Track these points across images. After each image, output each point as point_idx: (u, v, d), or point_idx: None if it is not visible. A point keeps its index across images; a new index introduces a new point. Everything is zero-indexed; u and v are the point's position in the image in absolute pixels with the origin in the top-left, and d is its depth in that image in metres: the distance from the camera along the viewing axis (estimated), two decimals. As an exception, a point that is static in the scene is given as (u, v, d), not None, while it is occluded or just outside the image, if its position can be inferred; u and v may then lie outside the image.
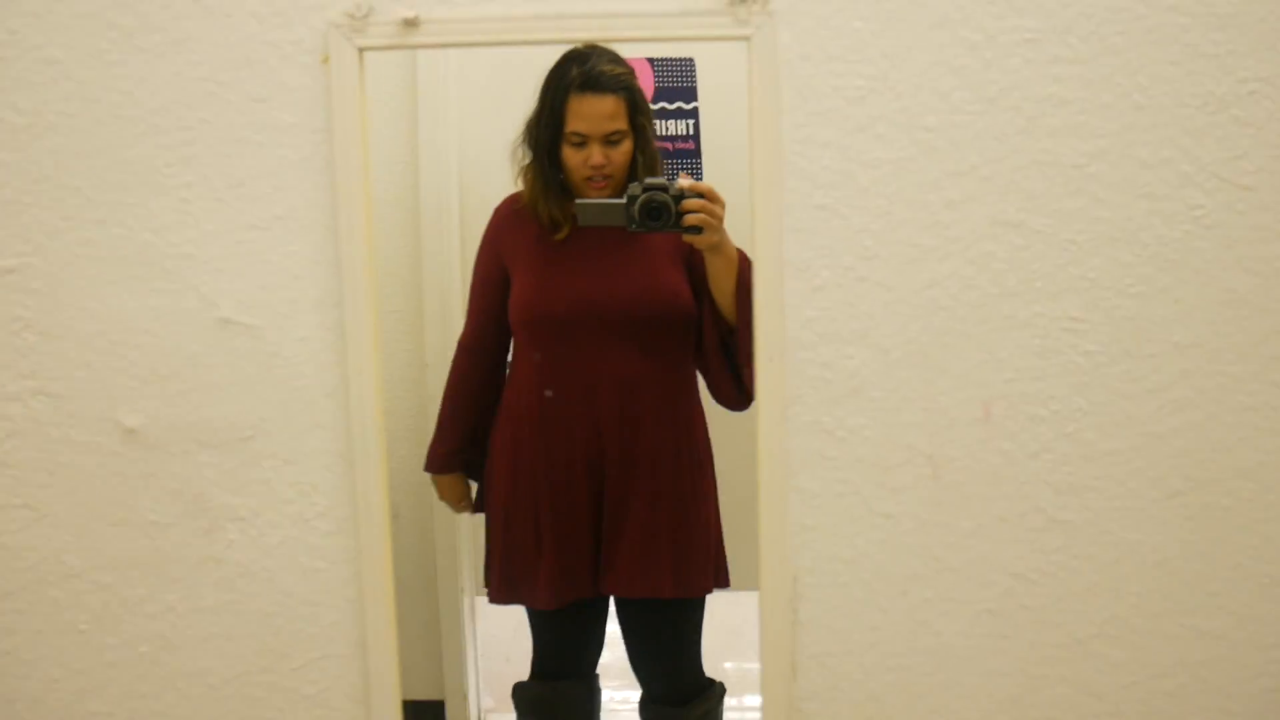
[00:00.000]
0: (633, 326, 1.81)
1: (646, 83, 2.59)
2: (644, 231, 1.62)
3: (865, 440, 1.36)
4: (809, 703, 1.42)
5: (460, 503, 2.03)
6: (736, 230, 1.65)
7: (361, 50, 1.30)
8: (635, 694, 2.14)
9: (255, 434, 1.38)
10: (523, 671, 2.11)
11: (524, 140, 1.86)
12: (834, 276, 1.33)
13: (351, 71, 1.30)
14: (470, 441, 1.97)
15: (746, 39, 1.29)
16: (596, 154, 1.76)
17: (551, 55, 1.80)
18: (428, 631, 2.69)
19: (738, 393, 1.82)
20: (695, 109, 2.71)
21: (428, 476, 2.09)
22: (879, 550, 1.39)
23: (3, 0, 1.31)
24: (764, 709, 1.43)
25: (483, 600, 2.78)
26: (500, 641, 3.02)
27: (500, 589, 1.96)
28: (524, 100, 1.83)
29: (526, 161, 1.85)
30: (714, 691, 2.01)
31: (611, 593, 1.89)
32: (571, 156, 1.78)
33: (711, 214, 1.62)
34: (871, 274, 1.33)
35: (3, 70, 1.32)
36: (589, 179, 1.78)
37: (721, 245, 1.66)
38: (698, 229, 1.62)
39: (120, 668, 1.44)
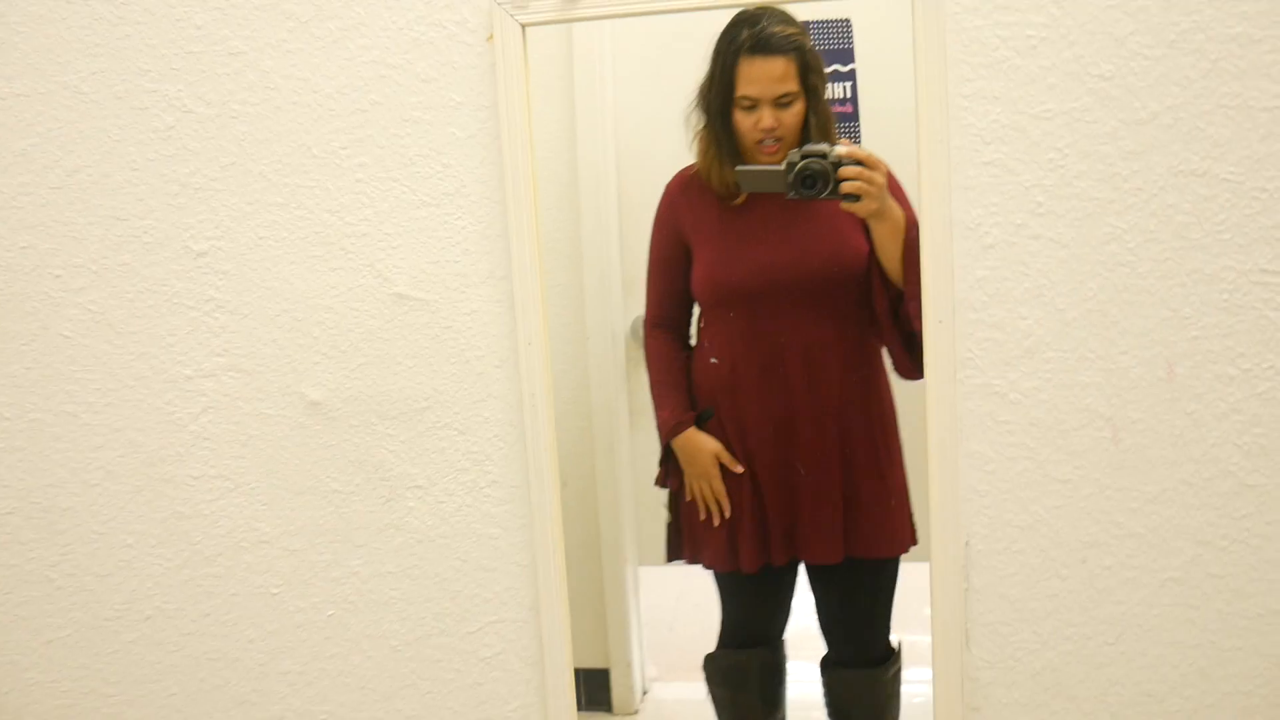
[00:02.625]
0: (820, 292, 1.83)
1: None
2: (801, 199, 1.64)
3: (1040, 403, 1.36)
4: (983, 672, 1.44)
5: (721, 456, 1.96)
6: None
7: (524, 26, 1.37)
8: (809, 665, 2.17)
9: (430, 405, 1.47)
10: (687, 640, 2.16)
11: (697, 105, 1.89)
12: (1005, 234, 1.33)
13: (515, 47, 1.37)
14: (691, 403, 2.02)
15: (911, -7, 1.30)
16: (766, 117, 1.78)
17: (712, 21, 1.83)
18: (592, 600, 2.77)
19: (910, 360, 1.82)
20: (852, 70, 2.69)
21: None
22: (1056, 516, 1.39)
23: (189, -4, 1.43)
24: (935, 678, 1.45)
25: (646, 570, 2.85)
26: (663, 610, 3.08)
27: (694, 553, 2.02)
28: (677, 70, 1.86)
29: (700, 126, 1.89)
30: (898, 653, 2.03)
31: (811, 558, 1.92)
32: (742, 120, 1.81)
33: (870, 181, 1.63)
34: (1045, 231, 1.32)
35: (191, 64, 1.44)
36: (760, 143, 1.80)
37: (883, 211, 1.67)
38: (855, 197, 1.63)
39: (309, 629, 1.56)
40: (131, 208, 1.48)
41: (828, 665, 2.06)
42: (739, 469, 1.89)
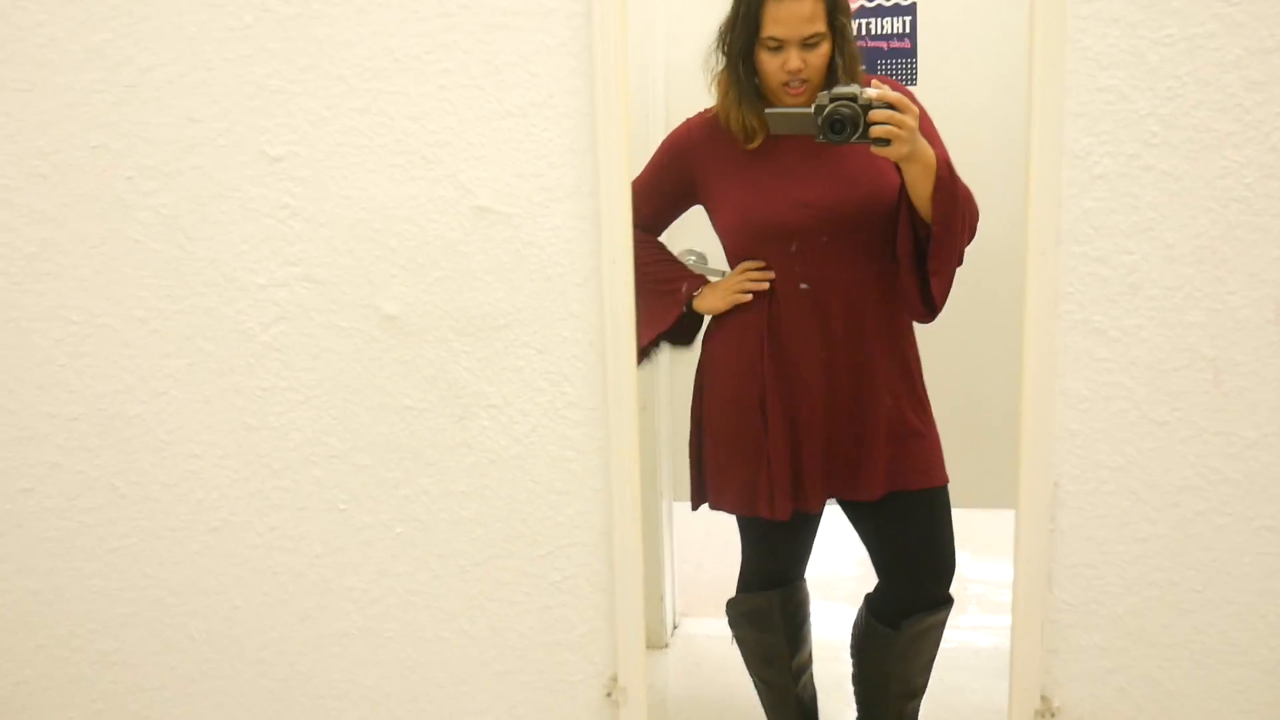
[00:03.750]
0: (858, 229, 1.81)
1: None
2: (830, 143, 1.62)
3: (1141, 342, 1.34)
4: (1064, 614, 1.43)
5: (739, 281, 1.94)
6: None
7: (622, -69, 1.33)
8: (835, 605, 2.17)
9: (509, 323, 1.46)
10: (713, 577, 2.17)
11: (717, 46, 1.86)
12: (1115, 165, 1.30)
13: (612, -47, 1.33)
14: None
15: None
16: (794, 58, 1.75)
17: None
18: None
19: (924, 303, 1.80)
20: (913, 5, 2.65)
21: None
22: (1150, 459, 1.37)
23: (272, -111, 1.40)
24: (1015, 619, 1.45)
25: (678, 506, 2.87)
26: (691, 547, 3.11)
27: (721, 497, 2.00)
28: (724, 5, 1.83)
29: (720, 68, 1.86)
30: (949, 601, 2.03)
31: (854, 495, 1.91)
32: (768, 62, 1.78)
33: (900, 125, 1.60)
34: (1158, 162, 1.29)
35: (275, -41, 1.41)
36: (786, 84, 1.78)
37: (914, 154, 1.64)
38: (885, 141, 1.61)
39: (376, 546, 1.56)
40: (206, 109, 1.46)
41: (876, 610, 2.05)
42: (769, 276, 1.87)
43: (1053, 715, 1.45)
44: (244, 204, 1.48)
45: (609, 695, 1.54)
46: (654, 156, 2.00)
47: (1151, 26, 1.27)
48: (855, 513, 2.00)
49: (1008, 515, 1.47)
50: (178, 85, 1.46)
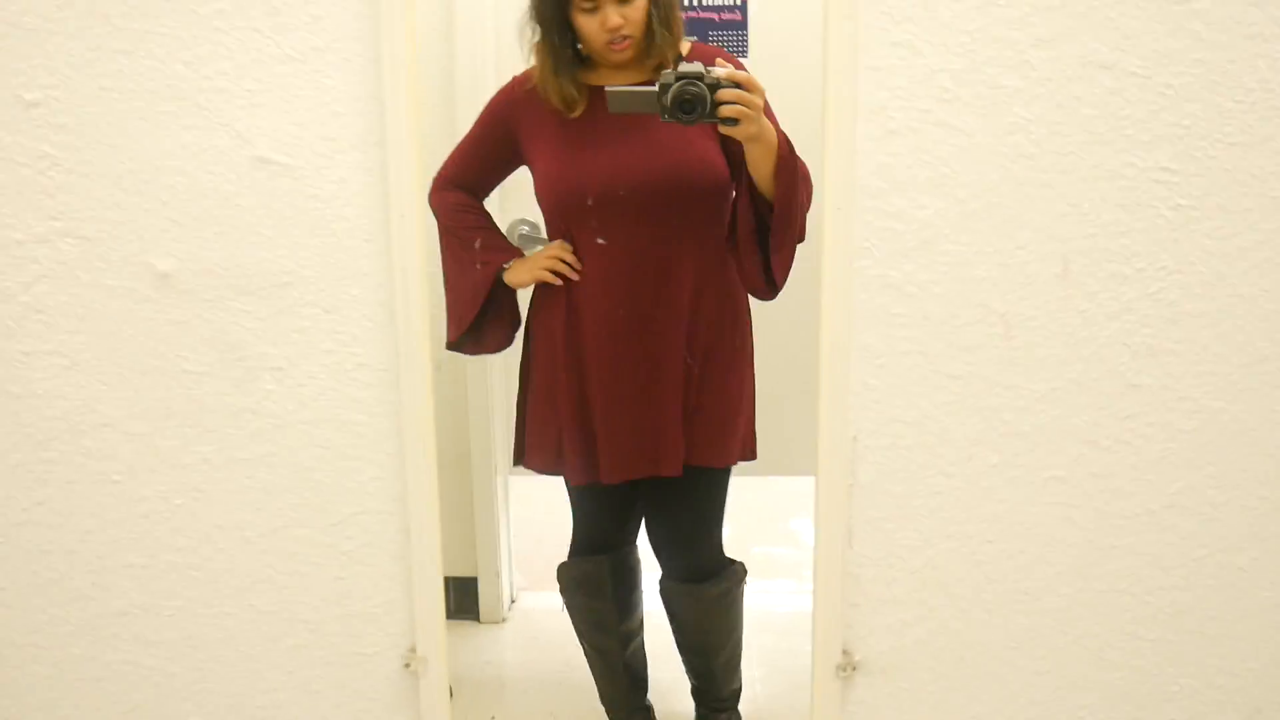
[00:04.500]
0: (665, 202, 1.80)
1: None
2: (677, 123, 1.60)
3: (935, 296, 1.36)
4: (864, 569, 1.45)
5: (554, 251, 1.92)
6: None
7: None
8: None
9: (292, 280, 1.39)
10: (554, 551, 2.17)
11: (531, 16, 1.82)
12: (909, 120, 1.31)
13: (394, -113, 1.27)
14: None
15: None
16: (612, 15, 1.72)
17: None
18: (462, 509, 2.75)
19: (765, 281, 1.81)
20: (744, -25, 2.64)
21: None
22: (944, 413, 1.40)
23: None
24: (816, 574, 1.46)
25: (516, 480, 2.84)
26: (532, 523, 3.09)
27: (531, 456, 2.00)
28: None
29: (537, 39, 1.82)
30: (733, 571, 2.06)
31: (654, 471, 1.91)
32: (586, 24, 1.75)
33: (749, 104, 1.60)
34: (950, 118, 1.31)
35: (21, -118, 1.30)
36: (609, 43, 1.75)
37: (760, 134, 1.64)
38: (734, 120, 1.60)
39: (155, 519, 1.48)
40: (-49, 48, 1.34)
41: (662, 583, 2.09)
42: (577, 268, 1.86)
43: (854, 668, 1.47)
44: (-4, 152, 1.37)
45: (408, 666, 1.50)
46: (479, 117, 1.96)
47: (943, -20, 1.28)
48: (647, 486, 1.99)
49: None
50: (-84, 20, 1.34)
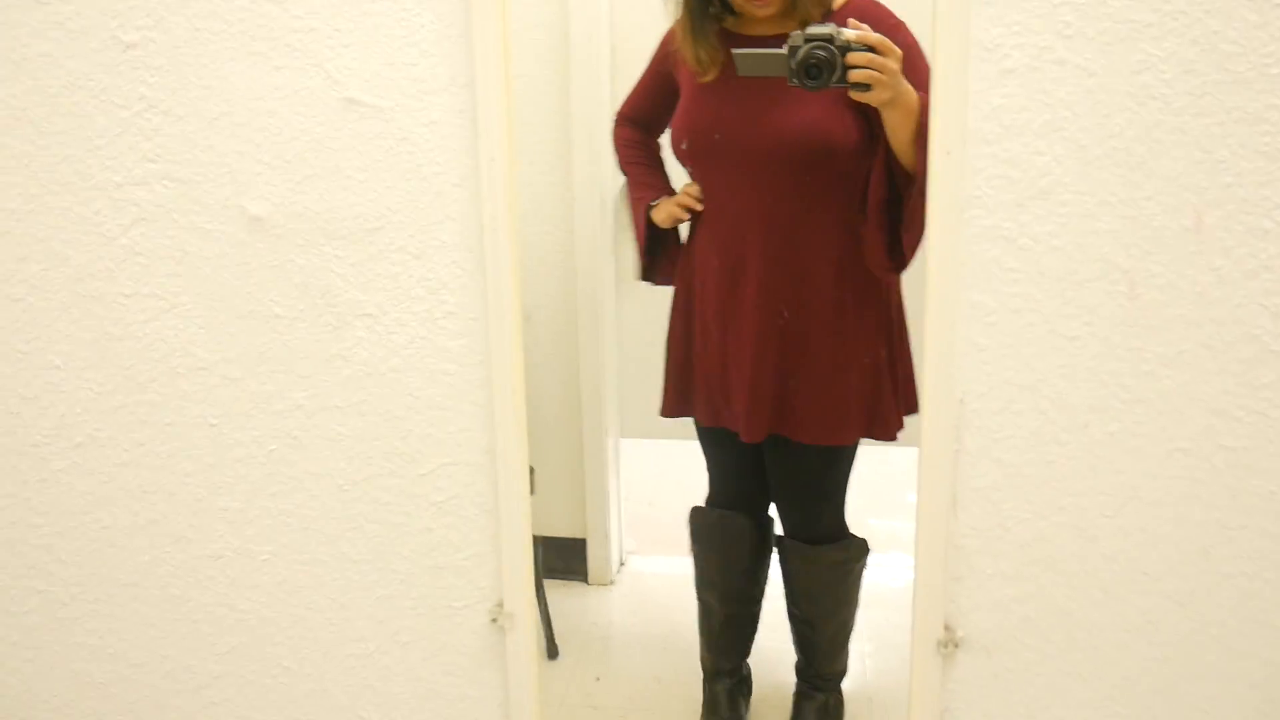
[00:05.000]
0: (785, 162, 1.74)
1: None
2: (805, 88, 1.52)
3: (1052, 250, 1.27)
4: (969, 540, 1.38)
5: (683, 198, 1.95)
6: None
7: None
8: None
9: (382, 225, 1.37)
10: (664, 515, 2.17)
11: None
12: (1026, 58, 1.22)
13: None
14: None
15: None
16: None
17: None
18: (572, 470, 2.75)
19: (889, 256, 1.73)
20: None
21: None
22: (1060, 376, 1.31)
23: None
24: (918, 545, 1.39)
25: (628, 443, 2.83)
26: (643, 486, 3.07)
27: (665, 402, 2.06)
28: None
29: None
30: (853, 543, 2.01)
31: (792, 434, 1.89)
32: None
33: (882, 68, 1.52)
34: (1071, 55, 1.21)
35: None
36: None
37: (896, 99, 1.55)
38: (866, 86, 1.52)
39: (249, 465, 1.49)
40: (55, -9, 1.36)
41: (781, 540, 2.10)
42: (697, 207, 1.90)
43: (956, 645, 1.40)
44: (97, 94, 1.38)
45: (495, 621, 1.48)
46: (654, 53, 2.01)
47: (1067, -94, 1.18)
48: (769, 445, 1.96)
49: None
50: (22, -37, 1.36)
